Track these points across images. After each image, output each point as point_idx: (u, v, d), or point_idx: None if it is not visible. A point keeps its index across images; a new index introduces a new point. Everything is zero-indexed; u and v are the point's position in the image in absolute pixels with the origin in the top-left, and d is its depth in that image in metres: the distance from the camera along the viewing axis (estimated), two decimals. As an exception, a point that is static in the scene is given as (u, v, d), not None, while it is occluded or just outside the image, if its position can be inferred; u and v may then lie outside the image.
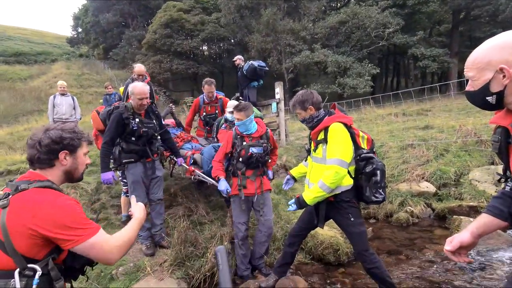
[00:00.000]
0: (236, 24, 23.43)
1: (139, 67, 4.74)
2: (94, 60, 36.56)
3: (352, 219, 2.46)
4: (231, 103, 4.04)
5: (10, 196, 1.22)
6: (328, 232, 3.76)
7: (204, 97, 4.71)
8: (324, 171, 2.37)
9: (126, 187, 3.90)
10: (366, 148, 2.48)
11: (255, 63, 6.36)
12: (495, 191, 4.51)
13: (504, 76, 1.11)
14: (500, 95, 1.15)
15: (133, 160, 3.33)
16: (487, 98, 1.19)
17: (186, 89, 28.53)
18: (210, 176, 3.53)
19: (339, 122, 2.41)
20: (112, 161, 3.47)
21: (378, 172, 2.35)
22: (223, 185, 3.08)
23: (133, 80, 4.65)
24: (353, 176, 2.45)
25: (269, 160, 3.34)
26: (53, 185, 1.32)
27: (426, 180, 5.24)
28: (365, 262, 2.47)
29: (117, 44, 32.83)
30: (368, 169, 2.37)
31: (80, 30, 40.93)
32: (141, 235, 3.51)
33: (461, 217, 4.17)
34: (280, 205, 4.41)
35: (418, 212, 4.72)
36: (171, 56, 25.25)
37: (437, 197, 5.03)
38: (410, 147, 6.16)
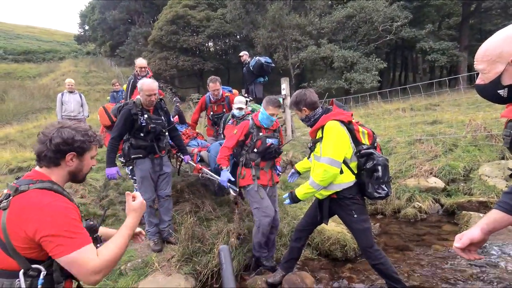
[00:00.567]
0: (242, 19, 23.28)
1: (140, 60, 4.78)
2: (101, 57, 36.87)
3: (355, 215, 2.46)
4: (238, 99, 4.03)
5: (11, 198, 1.21)
6: (335, 228, 3.75)
7: (210, 96, 4.64)
8: (315, 169, 2.43)
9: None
10: (367, 143, 2.47)
11: (262, 59, 6.34)
12: (506, 186, 4.43)
13: (516, 69, 1.08)
14: None
15: (141, 156, 3.36)
16: (498, 91, 1.15)
17: (192, 86, 28.59)
18: (218, 174, 3.54)
19: (335, 120, 2.41)
20: (121, 157, 3.52)
21: (380, 167, 2.34)
22: (224, 176, 3.10)
23: (135, 77, 4.68)
24: (355, 172, 2.45)
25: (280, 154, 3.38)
26: (54, 186, 1.28)
27: (435, 176, 5.18)
28: (370, 259, 2.48)
29: (124, 41, 32.99)
30: (369, 165, 2.37)
31: (87, 27, 41.20)
32: (149, 231, 3.54)
33: (471, 212, 4.12)
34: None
35: (426, 208, 4.68)
36: (177, 52, 25.27)
37: (445, 192, 4.97)
38: (418, 142, 6.09)
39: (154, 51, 26.18)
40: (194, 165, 3.93)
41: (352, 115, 2.52)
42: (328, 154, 2.34)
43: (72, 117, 6.70)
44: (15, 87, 20.90)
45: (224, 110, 4.69)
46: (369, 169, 2.37)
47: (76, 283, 1.41)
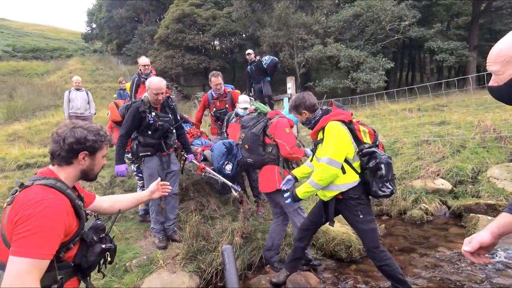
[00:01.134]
0: (248, 18, 23.22)
1: (143, 59, 4.84)
2: (107, 55, 37.13)
3: (361, 216, 2.45)
4: (243, 98, 4.02)
5: (16, 193, 1.25)
6: (340, 229, 3.73)
7: (212, 92, 4.67)
8: (315, 169, 2.48)
9: (142, 181, 3.97)
10: (369, 142, 2.47)
11: (276, 58, 6.46)
12: (515, 189, 4.36)
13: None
14: None
15: (149, 153, 3.40)
16: None
17: (197, 84, 28.64)
18: (221, 174, 3.54)
19: (335, 120, 2.40)
20: (130, 155, 3.54)
21: (383, 165, 2.32)
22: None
23: (139, 76, 4.73)
24: (359, 172, 2.44)
25: None
26: (57, 183, 1.29)
27: (442, 177, 5.11)
28: (375, 259, 2.47)
29: (130, 39, 33.19)
30: (372, 164, 2.36)
31: (94, 26, 41.51)
32: (154, 228, 3.56)
33: (478, 215, 4.05)
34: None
35: (432, 210, 4.62)
36: (183, 51, 25.32)
37: (452, 194, 4.91)
38: (425, 143, 6.02)
39: (160, 49, 26.26)
40: (198, 164, 3.94)
41: (352, 114, 2.52)
42: (328, 154, 2.35)
43: (79, 114, 6.77)
44: (24, 84, 21.14)
45: (227, 105, 4.70)
46: (372, 167, 2.36)
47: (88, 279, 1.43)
